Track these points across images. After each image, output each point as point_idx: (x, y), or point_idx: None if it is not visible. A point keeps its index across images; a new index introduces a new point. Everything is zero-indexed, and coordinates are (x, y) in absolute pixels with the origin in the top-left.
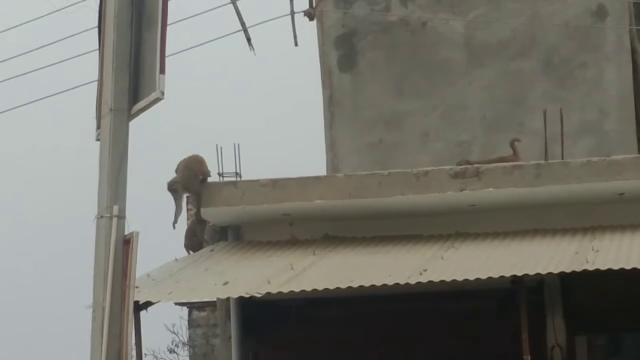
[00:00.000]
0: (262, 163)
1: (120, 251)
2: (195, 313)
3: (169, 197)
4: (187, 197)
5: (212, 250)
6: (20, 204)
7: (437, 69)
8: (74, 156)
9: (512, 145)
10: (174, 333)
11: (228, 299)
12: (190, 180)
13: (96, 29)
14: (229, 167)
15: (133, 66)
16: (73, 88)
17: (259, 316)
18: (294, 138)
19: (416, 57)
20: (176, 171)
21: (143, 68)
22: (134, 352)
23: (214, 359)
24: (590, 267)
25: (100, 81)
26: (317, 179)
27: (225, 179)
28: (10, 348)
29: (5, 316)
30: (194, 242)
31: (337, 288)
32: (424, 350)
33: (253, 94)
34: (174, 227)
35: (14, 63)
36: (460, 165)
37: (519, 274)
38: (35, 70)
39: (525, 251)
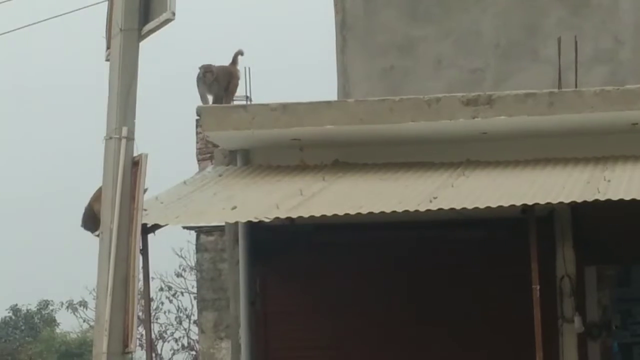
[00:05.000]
0: (273, 88)
1: (128, 173)
2: (203, 237)
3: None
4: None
5: (220, 175)
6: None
7: None
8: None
9: (235, 57)
10: (182, 257)
11: (236, 223)
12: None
13: None
14: (239, 91)
15: None
16: (84, 7)
17: (267, 241)
18: (306, 64)
19: None
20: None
21: None
22: (140, 275)
23: (222, 284)
24: (602, 197)
25: (111, 1)
26: (328, 103)
27: (235, 103)
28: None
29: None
30: None
31: (346, 214)
32: (432, 278)
33: (266, 18)
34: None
35: None
36: None
37: (530, 203)
38: None
39: (537, 180)
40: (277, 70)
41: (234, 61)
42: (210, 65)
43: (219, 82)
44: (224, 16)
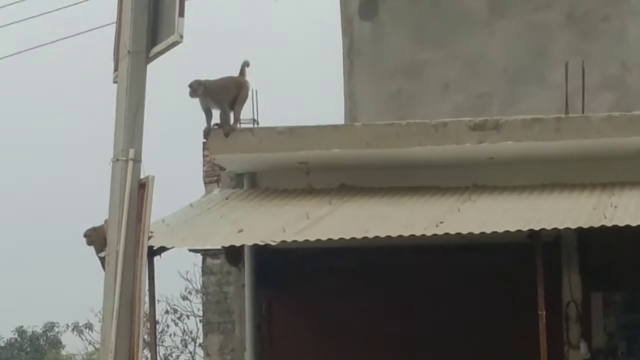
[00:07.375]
0: (280, 111)
1: (135, 195)
2: (209, 260)
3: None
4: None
5: (227, 198)
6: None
7: (458, 19)
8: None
9: (242, 68)
10: (187, 280)
11: (242, 246)
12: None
13: None
14: (246, 114)
15: (152, 8)
16: (92, 29)
17: (273, 265)
18: (314, 87)
19: (438, 6)
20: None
21: (162, 11)
22: (146, 298)
23: (227, 307)
24: (608, 223)
25: (119, 23)
26: (335, 127)
27: (242, 126)
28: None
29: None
30: None
31: (352, 238)
32: (438, 302)
33: (273, 43)
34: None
35: (33, 3)
36: None
37: (536, 228)
38: (54, 11)
39: (543, 205)
40: (287, 91)
41: (242, 72)
42: (196, 81)
43: (210, 95)
44: (233, 36)
